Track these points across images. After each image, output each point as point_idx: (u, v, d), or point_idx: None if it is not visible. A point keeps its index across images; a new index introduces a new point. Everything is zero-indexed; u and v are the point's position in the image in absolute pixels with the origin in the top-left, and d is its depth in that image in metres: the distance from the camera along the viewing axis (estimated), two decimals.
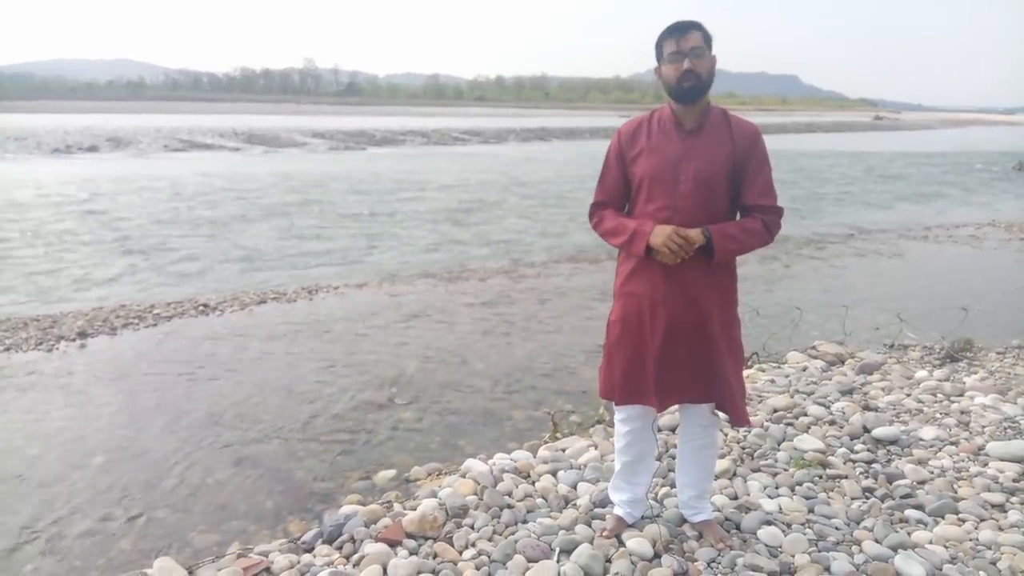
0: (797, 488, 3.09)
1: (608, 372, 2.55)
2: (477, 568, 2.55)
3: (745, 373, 4.66)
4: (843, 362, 5.01)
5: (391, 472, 3.77)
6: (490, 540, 2.74)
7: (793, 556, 2.57)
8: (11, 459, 3.96)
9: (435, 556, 2.65)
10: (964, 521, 2.83)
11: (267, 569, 2.62)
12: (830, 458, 3.36)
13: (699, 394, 2.45)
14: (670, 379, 2.41)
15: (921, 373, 4.69)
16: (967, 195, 18.68)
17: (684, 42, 2.27)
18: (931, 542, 2.67)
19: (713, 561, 2.54)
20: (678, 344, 2.37)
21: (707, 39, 2.30)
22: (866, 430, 3.66)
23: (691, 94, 2.31)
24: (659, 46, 2.34)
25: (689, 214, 2.30)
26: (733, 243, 2.30)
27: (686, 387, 2.44)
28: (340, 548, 2.75)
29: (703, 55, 2.28)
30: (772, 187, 2.39)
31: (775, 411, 3.97)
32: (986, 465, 3.30)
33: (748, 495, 3.03)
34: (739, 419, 2.50)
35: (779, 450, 3.46)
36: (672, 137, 2.36)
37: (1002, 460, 3.32)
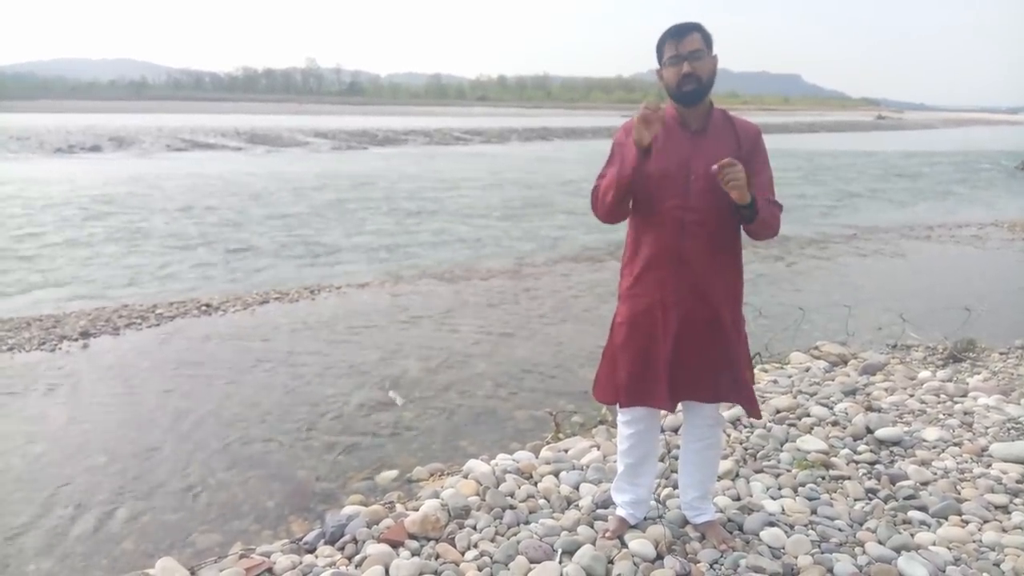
0: (800, 489, 3.08)
1: (611, 374, 2.54)
2: (479, 569, 2.55)
3: None
4: (846, 363, 5.00)
5: (393, 472, 3.77)
6: (492, 541, 2.74)
7: (796, 557, 2.57)
8: (13, 459, 3.97)
9: (437, 557, 2.64)
10: (967, 522, 2.82)
11: (269, 569, 2.62)
12: (833, 459, 3.36)
13: (709, 393, 2.46)
14: (682, 379, 2.41)
15: (924, 374, 4.68)
16: (978, 193, 18.88)
17: (683, 46, 2.28)
18: (934, 543, 2.67)
19: (716, 562, 2.53)
20: (691, 343, 2.38)
21: (707, 40, 2.31)
22: (869, 431, 3.65)
23: (691, 97, 2.32)
24: (659, 49, 2.35)
25: (701, 213, 2.31)
26: (767, 213, 2.31)
27: (697, 387, 2.44)
28: (342, 549, 2.75)
29: (702, 57, 2.29)
30: (773, 184, 2.41)
31: (778, 412, 3.96)
32: (989, 466, 3.30)
33: (751, 496, 3.02)
34: (754, 412, 2.53)
35: (782, 451, 3.46)
36: (679, 137, 2.36)
37: (1005, 461, 3.31)
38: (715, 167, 2.18)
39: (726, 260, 2.40)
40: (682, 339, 2.37)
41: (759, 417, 2.62)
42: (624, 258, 2.53)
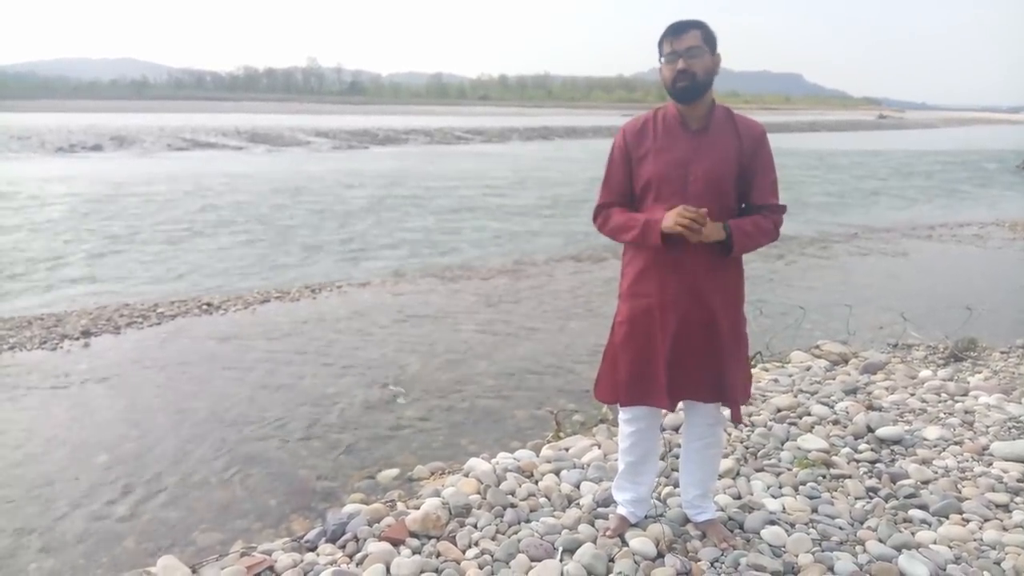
0: (801, 488, 3.08)
1: (612, 373, 2.54)
2: (480, 567, 2.55)
3: None
4: (847, 361, 5.00)
5: (394, 471, 3.77)
6: (493, 539, 2.74)
7: (796, 556, 2.57)
8: (14, 458, 3.97)
9: (438, 555, 2.65)
10: (968, 521, 2.82)
11: (271, 568, 2.62)
12: (834, 458, 3.36)
13: (708, 393, 2.45)
14: (680, 379, 2.41)
15: (925, 373, 4.68)
16: (981, 192, 19.14)
17: (679, 42, 2.26)
18: (935, 542, 2.66)
19: (716, 561, 2.53)
20: (688, 343, 2.37)
21: (708, 39, 2.28)
22: (870, 430, 3.65)
23: (686, 94, 2.30)
24: (659, 46, 2.34)
25: None
26: (749, 240, 2.31)
27: (696, 386, 2.44)
28: (343, 547, 2.75)
29: (699, 55, 2.26)
30: (777, 187, 2.39)
31: (779, 410, 3.96)
32: (990, 465, 3.30)
33: (752, 495, 3.02)
34: (737, 418, 2.54)
35: (783, 450, 3.46)
36: (679, 137, 2.34)
37: (1006, 460, 3.31)
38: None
39: (725, 261, 2.38)
40: (680, 339, 2.37)
41: (739, 422, 2.63)
42: (624, 258, 2.53)
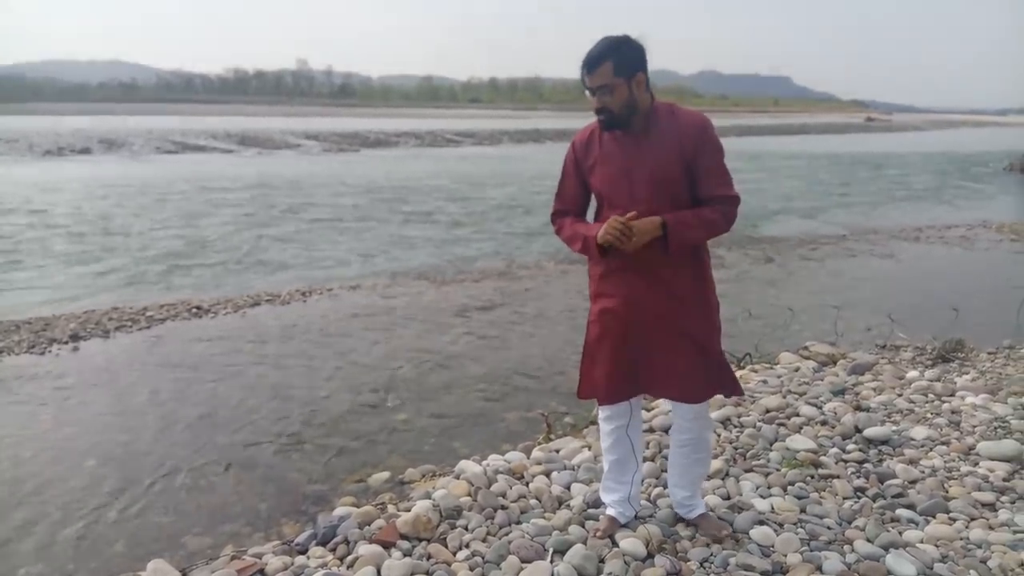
0: (789, 488, 3.10)
1: (589, 372, 2.59)
2: (471, 569, 2.55)
3: (737, 374, 4.68)
4: (835, 362, 5.03)
5: (385, 474, 3.77)
6: (484, 541, 2.74)
7: (785, 555, 2.58)
8: (3, 463, 3.94)
9: (429, 557, 2.65)
10: (955, 520, 2.84)
11: (261, 571, 2.62)
12: (822, 458, 3.38)
13: (680, 390, 2.46)
14: (651, 376, 2.45)
15: (912, 373, 4.71)
16: (973, 193, 19.38)
17: (592, 79, 2.27)
18: (922, 541, 2.68)
19: (706, 561, 2.55)
20: (656, 340, 2.40)
21: (622, 68, 2.24)
22: (858, 430, 3.68)
23: (607, 126, 2.35)
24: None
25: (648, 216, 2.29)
26: (689, 232, 2.29)
27: (669, 383, 2.46)
28: (334, 550, 2.75)
29: (610, 92, 2.25)
30: (727, 177, 2.35)
31: (767, 411, 3.98)
32: (977, 464, 3.32)
33: (740, 495, 3.03)
34: (737, 390, 2.56)
35: (771, 450, 3.47)
36: (622, 144, 2.36)
37: (992, 459, 3.33)
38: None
39: (684, 257, 2.37)
40: (648, 337, 2.41)
41: (742, 394, 2.62)
42: (590, 261, 2.54)
